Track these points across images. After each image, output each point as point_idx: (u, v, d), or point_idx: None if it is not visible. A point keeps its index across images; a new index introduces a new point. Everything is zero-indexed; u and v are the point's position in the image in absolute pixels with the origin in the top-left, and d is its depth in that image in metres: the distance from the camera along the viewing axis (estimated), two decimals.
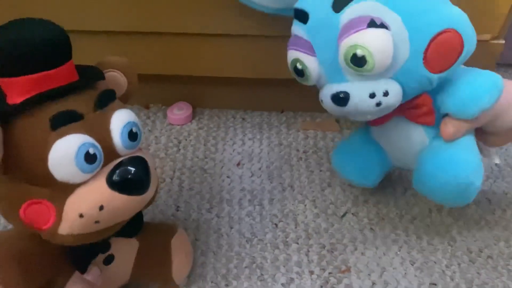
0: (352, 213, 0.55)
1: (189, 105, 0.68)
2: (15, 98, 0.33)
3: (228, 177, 0.59)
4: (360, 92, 0.38)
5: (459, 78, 0.41)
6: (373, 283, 0.48)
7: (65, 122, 0.32)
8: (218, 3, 0.55)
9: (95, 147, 0.33)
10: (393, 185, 0.58)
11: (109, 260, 0.41)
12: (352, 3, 0.37)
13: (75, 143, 0.32)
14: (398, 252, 0.51)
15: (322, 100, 0.41)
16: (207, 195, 0.57)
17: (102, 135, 0.34)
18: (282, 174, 0.60)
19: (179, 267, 0.45)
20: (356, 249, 0.51)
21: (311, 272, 0.49)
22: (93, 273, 0.39)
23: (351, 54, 0.36)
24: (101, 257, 0.41)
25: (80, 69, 0.36)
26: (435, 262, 0.49)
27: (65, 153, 0.32)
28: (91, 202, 0.33)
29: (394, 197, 0.57)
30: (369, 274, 0.48)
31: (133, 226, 0.39)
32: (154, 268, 0.44)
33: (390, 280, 0.48)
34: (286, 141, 0.64)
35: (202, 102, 0.69)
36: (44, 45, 0.32)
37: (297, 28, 0.41)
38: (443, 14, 0.37)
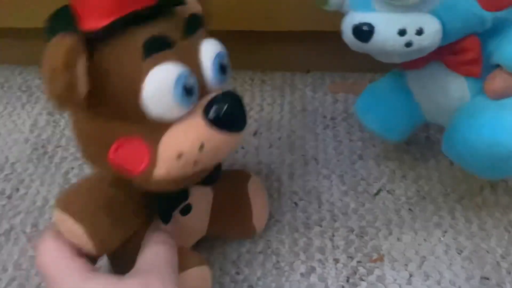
0: (387, 191, 0.47)
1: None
2: (94, 21, 0.28)
3: (242, 148, 0.52)
4: (388, 27, 0.32)
5: None
6: (411, 275, 0.40)
7: (159, 48, 0.29)
8: None
9: (192, 78, 0.29)
10: (437, 157, 0.49)
11: (187, 210, 0.38)
12: None
13: (173, 72, 0.28)
14: (442, 238, 0.42)
15: (343, 31, 0.35)
16: None
17: (194, 67, 0.30)
18: (305, 144, 0.52)
19: (259, 213, 0.42)
20: (390, 233, 0.43)
21: (336, 260, 0.41)
22: (171, 223, 0.37)
23: None
24: (180, 205, 0.37)
25: None
26: (487, 252, 0.41)
27: (161, 84, 0.28)
28: (191, 140, 0.30)
29: (438, 171, 0.48)
30: (405, 264, 0.41)
31: (213, 172, 0.35)
32: (233, 215, 0.41)
33: (432, 271, 0.40)
34: (312, 106, 0.56)
35: None
36: None
37: None
38: None
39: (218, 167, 0.37)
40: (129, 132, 0.30)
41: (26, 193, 0.48)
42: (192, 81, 0.30)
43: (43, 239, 0.32)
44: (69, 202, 0.32)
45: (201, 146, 0.30)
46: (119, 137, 0.30)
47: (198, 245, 0.43)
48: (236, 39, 0.58)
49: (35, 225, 0.46)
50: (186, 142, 0.29)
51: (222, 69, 0.31)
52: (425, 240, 0.43)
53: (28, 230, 0.45)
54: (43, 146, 0.53)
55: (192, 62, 0.30)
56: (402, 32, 0.32)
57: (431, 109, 0.41)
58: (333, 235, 0.43)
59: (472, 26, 0.33)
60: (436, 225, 0.44)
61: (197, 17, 0.32)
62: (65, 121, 0.56)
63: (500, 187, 0.46)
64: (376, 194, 0.46)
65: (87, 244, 0.31)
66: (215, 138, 0.30)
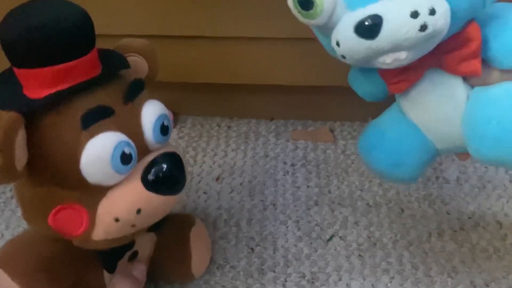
0: (340, 237, 0.49)
1: (170, 112, 0.63)
2: (35, 91, 0.30)
3: (205, 193, 0.54)
4: (398, 12, 0.28)
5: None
6: None
7: (97, 119, 0.30)
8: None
9: (130, 146, 0.30)
10: (388, 204, 0.51)
11: (133, 256, 0.39)
12: None
13: (110, 142, 0.29)
14: (389, 284, 0.44)
15: (338, 41, 0.31)
16: None
17: (134, 130, 0.31)
18: (264, 190, 0.54)
19: (198, 260, 0.43)
20: (340, 279, 0.45)
21: None
22: (138, 269, 0.38)
23: None
24: (127, 254, 0.38)
25: (101, 54, 0.32)
26: None
27: (99, 154, 0.29)
28: (128, 206, 0.31)
29: (389, 218, 0.50)
30: None
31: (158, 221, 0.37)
32: (173, 261, 0.42)
33: None
34: (273, 153, 0.59)
35: (185, 108, 0.64)
36: (68, 32, 0.29)
37: None
38: None
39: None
40: (68, 198, 0.31)
41: None
42: (130, 149, 0.30)
43: None
44: (7, 260, 0.33)
45: (139, 210, 0.31)
46: (58, 202, 0.31)
47: (157, 286, 0.44)
48: (204, 88, 0.61)
49: None
50: (124, 207, 0.31)
51: (163, 130, 0.33)
52: (372, 285, 0.44)
53: None
54: (10, 191, 0.54)
55: (132, 126, 0.31)
56: (414, 14, 0.28)
57: (441, 128, 0.36)
58: (286, 281, 0.45)
59: (475, 5, 0.30)
60: (384, 271, 0.45)
61: (139, 82, 0.33)
62: None
63: (446, 234, 0.48)
64: (329, 240, 0.48)
65: None
66: (153, 201, 0.31)
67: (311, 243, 0.48)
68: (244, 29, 0.53)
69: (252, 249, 0.48)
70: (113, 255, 0.37)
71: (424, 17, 0.28)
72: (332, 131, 0.61)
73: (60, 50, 0.29)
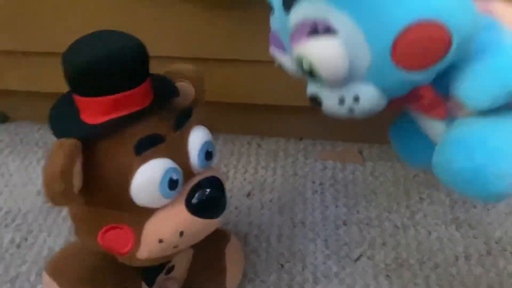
0: (368, 257, 0.50)
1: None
2: (92, 118, 0.32)
3: (236, 208, 0.56)
4: (329, 97, 0.32)
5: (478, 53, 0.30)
6: None
7: (148, 146, 0.32)
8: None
9: (177, 172, 0.32)
10: (416, 226, 0.52)
11: (169, 270, 0.41)
12: (298, 3, 0.30)
13: (160, 169, 0.31)
14: None
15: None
16: None
17: (181, 156, 0.33)
18: (294, 207, 0.55)
19: (232, 275, 0.44)
20: None
21: None
22: (172, 286, 0.40)
23: (300, 65, 0.31)
24: (164, 270, 0.40)
25: (154, 81, 0.35)
26: None
27: (149, 179, 0.31)
28: (172, 228, 0.32)
29: (416, 240, 0.51)
30: None
31: None
32: (208, 275, 0.43)
33: None
34: (302, 171, 0.60)
35: (217, 126, 0.67)
36: (128, 64, 0.31)
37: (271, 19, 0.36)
38: (411, 3, 0.27)
39: None
40: (116, 219, 0.33)
41: (34, 243, 0.52)
42: (177, 175, 0.32)
43: None
44: (56, 270, 0.36)
45: (181, 233, 0.33)
46: (108, 222, 0.33)
47: None
48: (236, 107, 0.64)
49: (39, 274, 0.49)
50: (168, 229, 0.32)
51: (207, 156, 0.35)
52: None
53: (32, 279, 0.49)
54: None
55: (179, 152, 0.33)
56: (341, 101, 0.32)
57: None
58: None
59: (409, 85, 0.32)
60: None
61: (187, 110, 0.35)
62: None
63: (473, 258, 0.49)
64: (357, 259, 0.50)
65: None
66: (195, 224, 0.33)
67: (339, 261, 0.49)
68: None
69: (282, 265, 0.49)
70: (154, 270, 0.39)
71: (349, 103, 0.32)
72: (360, 152, 0.62)
73: (120, 81, 0.31)
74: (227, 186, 0.58)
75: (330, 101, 0.32)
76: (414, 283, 0.47)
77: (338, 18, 0.29)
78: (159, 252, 0.33)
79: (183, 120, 0.34)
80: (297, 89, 0.59)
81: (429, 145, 0.40)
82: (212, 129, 0.66)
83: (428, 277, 0.47)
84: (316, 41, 0.29)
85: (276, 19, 0.35)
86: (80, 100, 0.32)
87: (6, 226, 0.54)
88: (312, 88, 0.33)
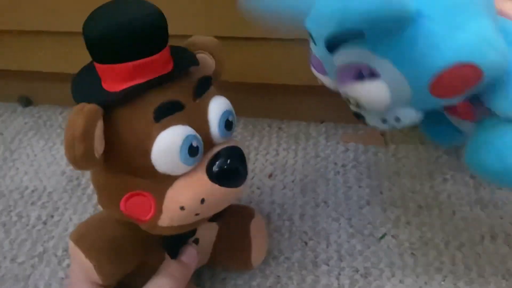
0: (392, 236, 0.49)
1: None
2: (113, 85, 0.32)
3: (258, 188, 0.56)
4: (372, 117, 0.37)
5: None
6: None
7: (168, 113, 0.32)
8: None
9: (197, 139, 0.32)
10: (440, 206, 0.52)
11: (194, 243, 0.41)
12: (341, 47, 0.33)
13: (180, 135, 0.31)
14: (443, 282, 0.45)
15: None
16: None
17: (201, 125, 0.33)
18: (316, 188, 0.55)
19: (257, 250, 0.44)
20: (393, 275, 0.46)
21: None
22: (188, 254, 0.39)
23: (347, 100, 0.35)
24: (189, 241, 0.40)
25: (173, 51, 0.35)
26: None
27: (169, 146, 0.31)
28: (193, 195, 0.32)
29: (441, 219, 0.51)
30: None
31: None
32: (234, 251, 0.44)
33: None
34: (324, 153, 0.60)
35: (237, 110, 0.67)
36: (145, 30, 0.31)
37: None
38: (447, 50, 0.30)
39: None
40: (138, 186, 0.33)
41: (59, 220, 0.53)
42: (197, 142, 0.32)
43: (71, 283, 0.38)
44: (81, 237, 0.36)
45: (202, 200, 0.33)
46: (130, 189, 0.33)
47: (211, 278, 0.46)
48: (256, 90, 0.64)
49: (65, 250, 0.50)
50: (189, 196, 0.32)
51: (227, 125, 0.35)
52: (426, 283, 0.45)
53: (59, 253, 0.49)
54: (77, 179, 0.58)
55: (199, 121, 0.33)
56: (384, 121, 0.36)
57: None
58: (339, 274, 0.46)
59: (444, 105, 0.36)
60: (437, 270, 0.46)
61: (207, 79, 0.35)
62: None
63: (499, 238, 0.48)
64: (381, 237, 0.49)
65: (95, 275, 0.36)
66: (216, 192, 0.33)
67: (364, 240, 0.49)
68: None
69: (306, 243, 0.49)
70: (177, 241, 0.39)
71: (392, 122, 0.36)
72: (383, 134, 0.62)
73: (139, 47, 0.31)
74: (249, 167, 0.59)
75: (373, 120, 0.37)
76: (440, 261, 0.47)
77: (380, 64, 0.32)
78: (181, 219, 0.33)
79: (203, 89, 0.34)
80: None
81: (455, 127, 0.42)
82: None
83: (454, 256, 0.47)
84: (362, 84, 0.33)
85: (317, 49, 0.37)
86: (100, 68, 0.33)
87: (32, 203, 0.55)
88: (355, 108, 0.37)
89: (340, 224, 0.51)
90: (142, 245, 0.38)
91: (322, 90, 0.61)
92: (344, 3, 0.27)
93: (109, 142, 0.32)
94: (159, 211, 0.33)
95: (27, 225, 0.53)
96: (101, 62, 0.32)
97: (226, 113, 0.35)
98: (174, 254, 0.39)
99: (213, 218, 0.39)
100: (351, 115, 0.64)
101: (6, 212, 0.54)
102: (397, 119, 0.35)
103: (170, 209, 0.33)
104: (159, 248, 0.39)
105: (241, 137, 0.64)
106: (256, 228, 0.45)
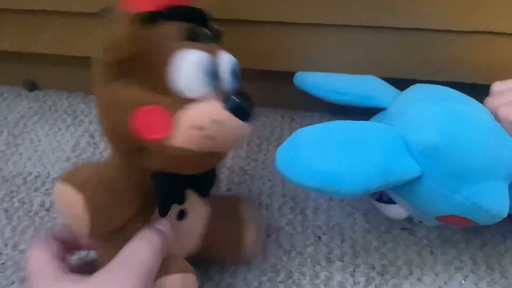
0: (409, 233, 0.47)
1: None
2: (142, 8, 0.33)
3: (269, 180, 0.54)
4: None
5: None
6: None
7: (195, 38, 0.34)
8: None
9: (216, 66, 0.34)
10: None
11: (181, 216, 0.40)
12: None
13: (201, 57, 0.33)
14: (463, 282, 0.43)
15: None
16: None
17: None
18: None
19: (250, 232, 0.43)
20: (411, 273, 0.44)
21: None
22: (164, 224, 0.37)
23: None
24: (175, 209, 0.39)
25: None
26: None
27: (192, 63, 0.32)
28: (209, 116, 0.32)
29: None
30: None
31: (207, 181, 0.39)
32: (226, 232, 0.42)
33: None
34: None
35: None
36: None
37: None
38: (445, 206, 0.37)
39: (213, 176, 0.39)
40: (153, 100, 0.32)
41: None
42: (216, 68, 0.34)
43: (31, 247, 0.35)
44: (71, 175, 0.33)
45: (218, 122, 0.32)
46: (143, 103, 0.32)
47: (221, 269, 0.44)
48: (269, 78, 0.62)
49: None
50: (205, 116, 0.32)
51: (234, 76, 0.36)
52: (445, 283, 0.43)
53: None
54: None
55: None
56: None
57: None
58: (354, 271, 0.44)
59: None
60: (457, 269, 0.44)
61: (220, 32, 0.37)
62: (104, 143, 0.59)
63: None
64: (398, 235, 0.47)
65: (83, 218, 0.32)
66: (230, 120, 0.33)
67: (380, 236, 0.47)
68: (319, 15, 0.53)
69: (319, 238, 0.47)
70: (171, 194, 0.37)
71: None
72: None
73: None
74: (260, 157, 0.57)
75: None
76: (460, 259, 0.45)
77: (396, 197, 0.40)
78: (194, 140, 0.32)
79: (218, 36, 0.37)
80: (337, 56, 0.57)
81: None
82: None
83: (474, 255, 0.45)
84: (381, 204, 0.42)
85: None
86: None
87: (35, 190, 0.53)
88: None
89: (355, 219, 0.49)
90: (137, 194, 0.35)
91: None
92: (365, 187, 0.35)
93: (132, 54, 0.32)
94: (172, 128, 0.32)
95: (30, 211, 0.51)
96: None
97: (234, 63, 0.36)
98: (165, 211, 0.37)
99: (205, 190, 0.39)
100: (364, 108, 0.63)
101: (8, 198, 0.52)
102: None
103: (185, 127, 0.32)
104: (152, 201, 0.36)
105: (252, 127, 0.61)
106: (246, 210, 0.44)
